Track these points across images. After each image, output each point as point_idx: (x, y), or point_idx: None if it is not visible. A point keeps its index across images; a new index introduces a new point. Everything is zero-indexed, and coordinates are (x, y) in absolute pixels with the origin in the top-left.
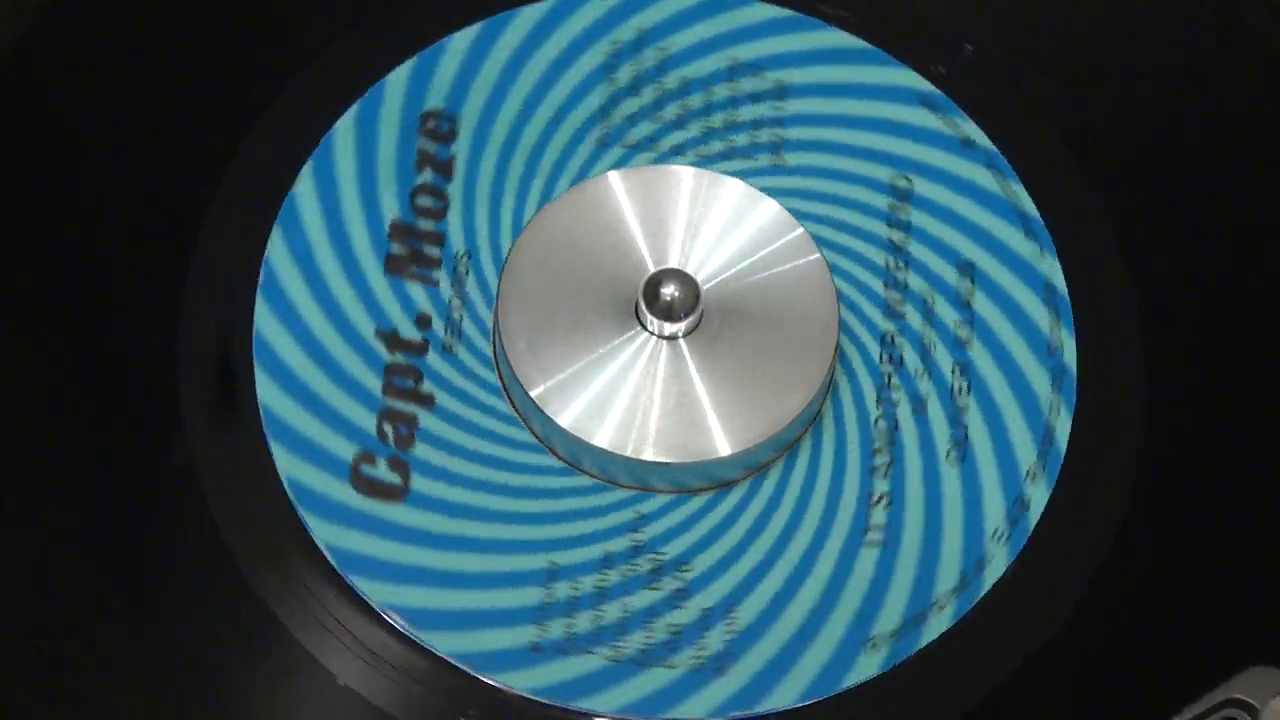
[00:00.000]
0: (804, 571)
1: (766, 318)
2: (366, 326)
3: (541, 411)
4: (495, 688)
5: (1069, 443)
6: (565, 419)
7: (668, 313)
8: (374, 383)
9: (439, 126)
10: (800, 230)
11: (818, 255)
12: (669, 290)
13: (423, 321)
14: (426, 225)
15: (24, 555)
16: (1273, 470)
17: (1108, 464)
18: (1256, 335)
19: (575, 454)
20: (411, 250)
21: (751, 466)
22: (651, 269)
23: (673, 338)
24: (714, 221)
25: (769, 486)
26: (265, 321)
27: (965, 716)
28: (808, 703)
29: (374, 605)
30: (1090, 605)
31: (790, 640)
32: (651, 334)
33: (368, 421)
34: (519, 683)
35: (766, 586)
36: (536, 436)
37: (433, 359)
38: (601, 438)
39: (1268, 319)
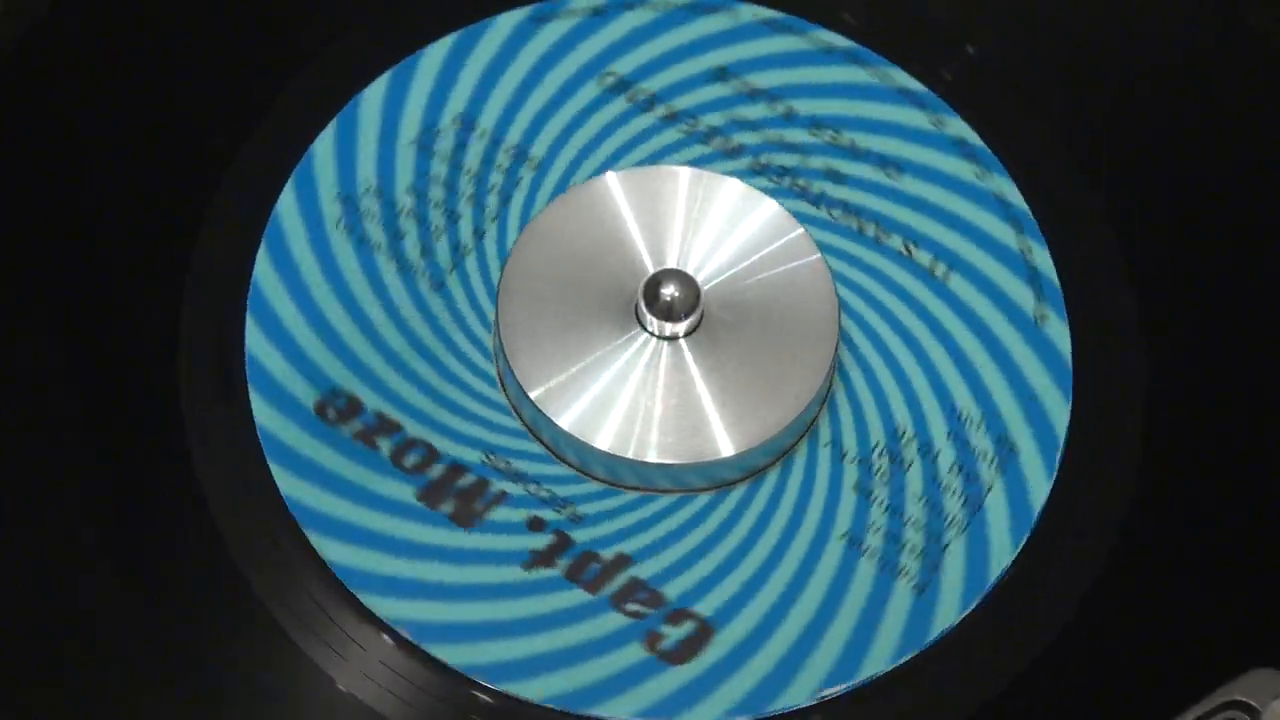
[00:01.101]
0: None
1: (766, 317)
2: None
3: (542, 413)
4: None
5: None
6: (565, 420)
7: (668, 313)
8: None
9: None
10: (800, 230)
11: (817, 255)
12: (669, 291)
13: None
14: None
15: (24, 555)
16: (1273, 471)
17: (1107, 465)
18: (1257, 335)
19: (582, 457)
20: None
21: (749, 468)
22: (651, 269)
23: (673, 338)
24: (713, 222)
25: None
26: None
27: (974, 716)
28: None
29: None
30: (1091, 607)
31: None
32: (651, 335)
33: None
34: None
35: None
36: (544, 444)
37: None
38: (602, 440)
39: (1268, 319)
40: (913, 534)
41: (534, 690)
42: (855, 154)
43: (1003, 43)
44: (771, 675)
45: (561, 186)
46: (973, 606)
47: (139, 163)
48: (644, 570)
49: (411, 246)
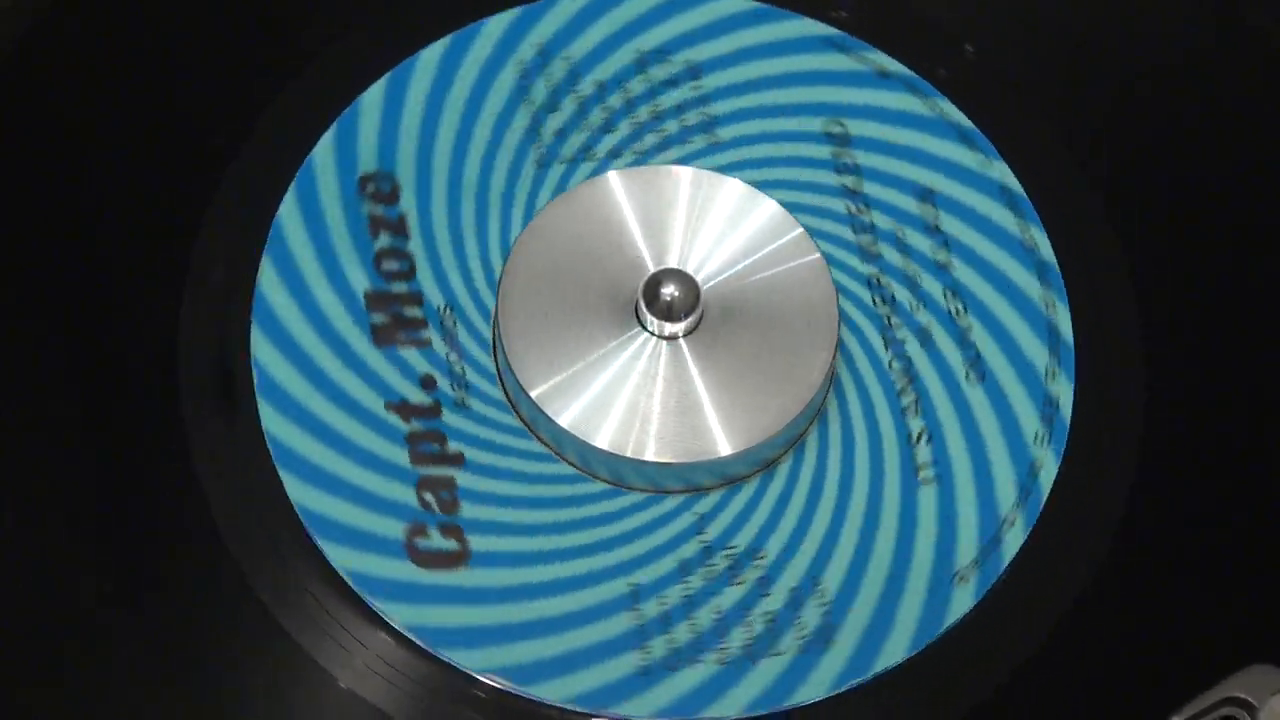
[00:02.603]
0: (872, 527)
1: (766, 317)
2: (375, 402)
3: (549, 417)
4: (619, 718)
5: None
6: (565, 420)
7: (668, 313)
8: (401, 455)
9: (379, 188)
10: (800, 230)
11: (817, 255)
12: (669, 290)
13: (427, 383)
14: (400, 288)
15: (24, 555)
16: (1273, 470)
17: (1106, 465)
18: (1257, 335)
19: (587, 460)
20: (394, 316)
21: (757, 463)
22: (651, 269)
23: (673, 338)
24: (713, 221)
25: (810, 456)
26: (276, 425)
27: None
28: (919, 650)
29: (474, 674)
30: (1089, 603)
31: (881, 597)
32: (651, 334)
33: (407, 495)
34: (639, 710)
35: (842, 551)
36: (558, 453)
37: (448, 417)
38: (602, 439)
39: (1268, 319)
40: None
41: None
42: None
43: (1002, 42)
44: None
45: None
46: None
47: (139, 163)
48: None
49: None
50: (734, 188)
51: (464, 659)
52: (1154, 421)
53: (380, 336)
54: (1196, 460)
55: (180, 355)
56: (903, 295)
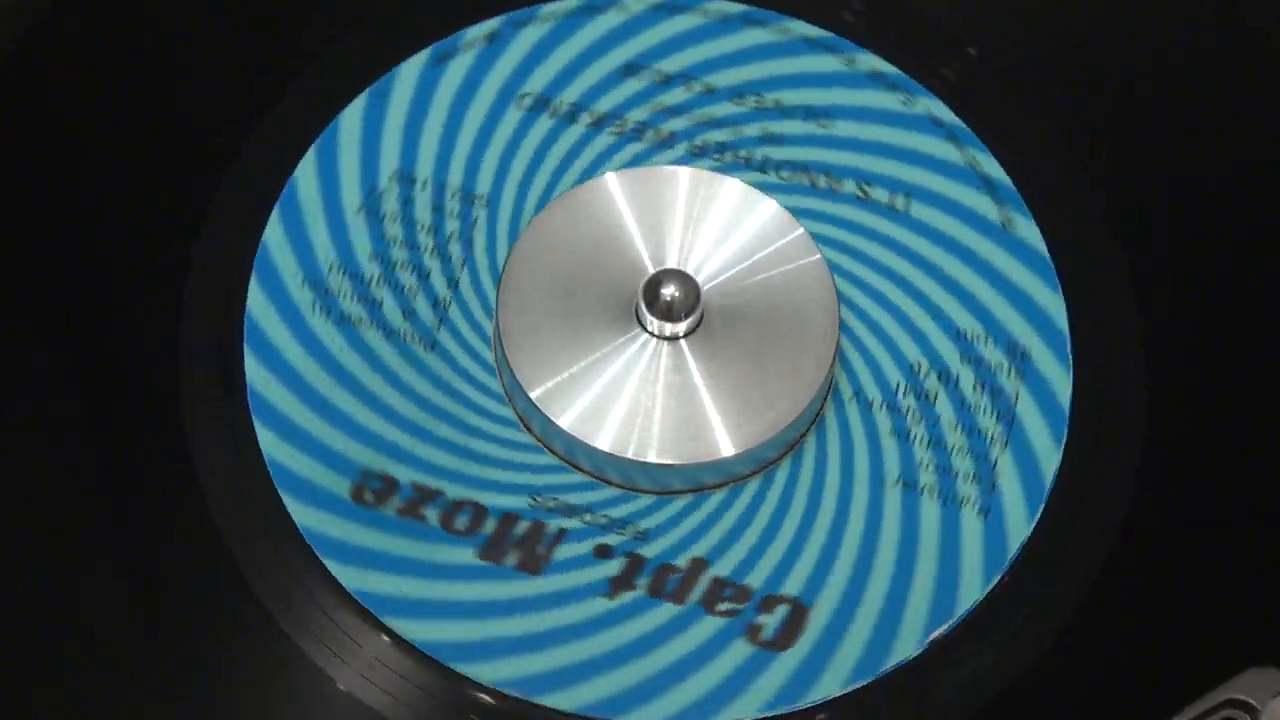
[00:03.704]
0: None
1: (766, 318)
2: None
3: (543, 414)
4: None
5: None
6: (565, 420)
7: (668, 313)
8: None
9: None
10: (800, 230)
11: (818, 255)
12: (669, 291)
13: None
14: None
15: (24, 555)
16: (1273, 470)
17: (1106, 465)
18: (1257, 335)
19: (590, 461)
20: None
21: (760, 461)
22: (651, 269)
23: (673, 338)
24: (713, 222)
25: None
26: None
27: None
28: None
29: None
30: (1091, 606)
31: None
32: (652, 335)
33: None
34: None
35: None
36: (547, 446)
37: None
38: (602, 440)
39: (1268, 319)
40: (960, 460)
41: (655, 713)
42: (783, 112)
43: (1003, 43)
44: (877, 632)
45: (516, 217)
46: (1039, 515)
47: (139, 162)
48: (722, 568)
49: (391, 312)
50: (733, 188)
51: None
52: (1155, 422)
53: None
54: (1197, 462)
55: (180, 355)
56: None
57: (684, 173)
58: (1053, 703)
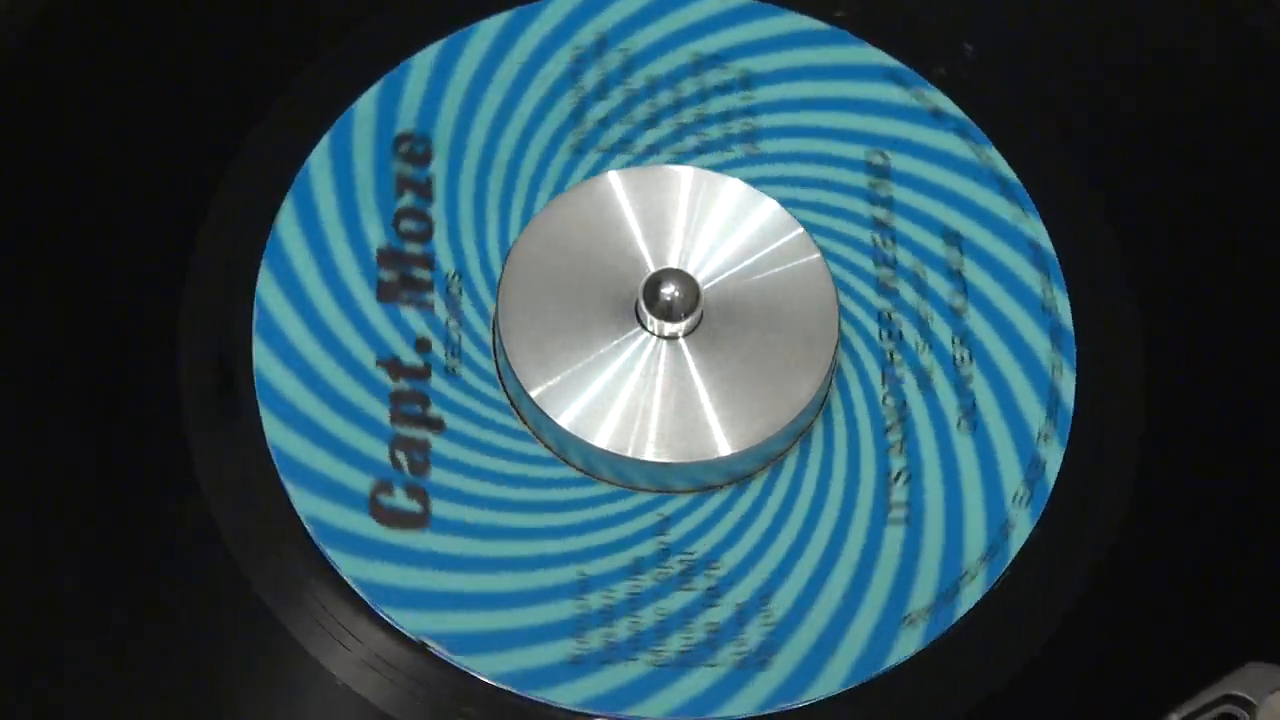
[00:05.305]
0: (833, 556)
1: (766, 317)
2: (367, 356)
3: (548, 416)
4: (541, 704)
5: (1073, 414)
6: (565, 419)
7: (668, 313)
8: (381, 412)
9: (413, 149)
10: (800, 230)
11: (817, 255)
12: (669, 290)
13: (422, 345)
14: (414, 249)
15: (24, 555)
16: (1273, 469)
17: (1105, 465)
18: (1257, 334)
19: (590, 460)
20: (402, 275)
21: (764, 458)
22: (651, 269)
23: (673, 338)
24: (714, 221)
25: (786, 476)
26: (265, 361)
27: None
28: (852, 686)
29: (410, 635)
30: (1088, 602)
31: (828, 626)
32: (651, 334)
33: (380, 451)
34: (564, 698)
35: (798, 575)
36: (547, 446)
37: (436, 382)
38: (602, 438)
39: (1268, 318)
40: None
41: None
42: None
43: (1002, 42)
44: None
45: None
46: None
47: (139, 162)
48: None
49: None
50: (734, 188)
51: (403, 619)
52: (1153, 420)
53: (384, 292)
54: (1194, 459)
55: (181, 354)
56: (910, 334)
57: (685, 172)
58: (1052, 699)
